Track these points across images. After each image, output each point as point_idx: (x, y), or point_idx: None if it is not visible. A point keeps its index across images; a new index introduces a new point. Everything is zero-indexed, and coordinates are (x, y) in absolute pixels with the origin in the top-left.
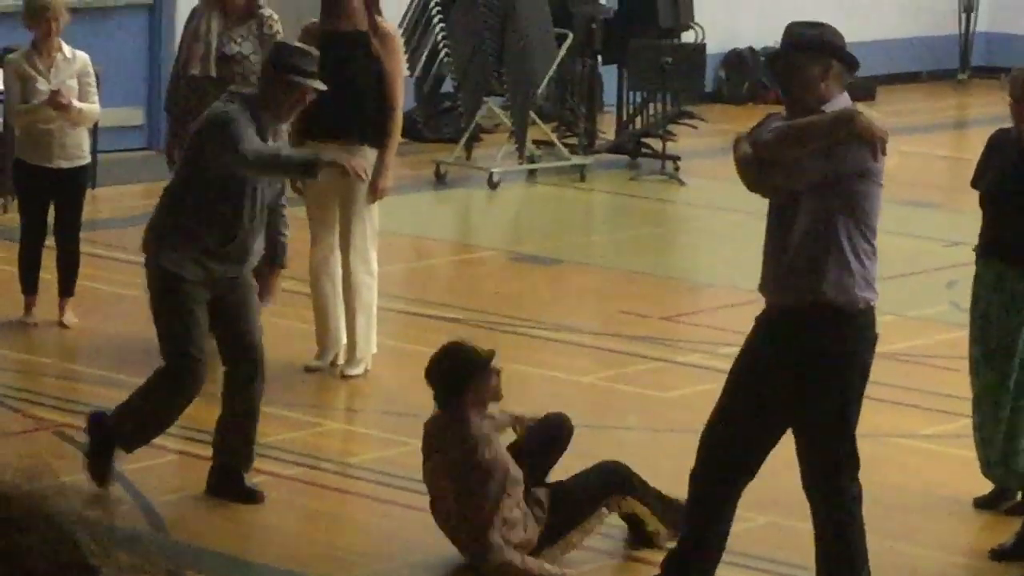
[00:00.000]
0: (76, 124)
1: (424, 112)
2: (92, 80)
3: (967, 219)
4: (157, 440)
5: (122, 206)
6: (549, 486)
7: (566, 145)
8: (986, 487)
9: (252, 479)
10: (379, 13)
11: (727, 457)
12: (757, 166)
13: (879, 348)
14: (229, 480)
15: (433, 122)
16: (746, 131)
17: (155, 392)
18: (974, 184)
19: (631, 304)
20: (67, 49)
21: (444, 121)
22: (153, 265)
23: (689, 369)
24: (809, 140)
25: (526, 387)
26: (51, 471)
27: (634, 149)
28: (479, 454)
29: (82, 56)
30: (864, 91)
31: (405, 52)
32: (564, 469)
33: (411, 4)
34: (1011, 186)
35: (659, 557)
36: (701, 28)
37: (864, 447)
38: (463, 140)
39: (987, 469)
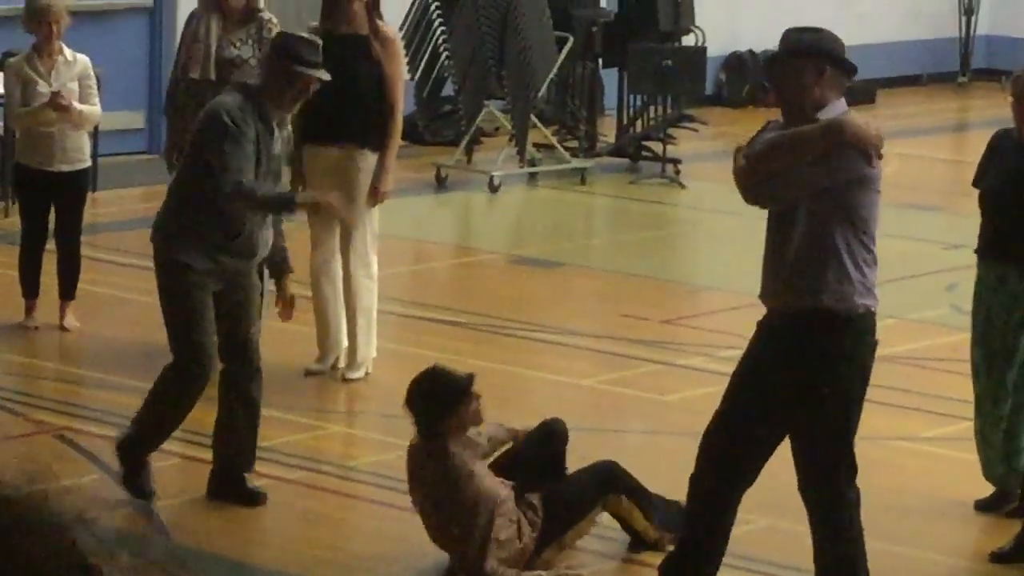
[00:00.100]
0: (77, 126)
1: (424, 115)
2: (93, 83)
3: (967, 222)
4: None
5: (123, 209)
6: (542, 489)
7: (567, 148)
8: (987, 490)
9: (253, 482)
10: (380, 16)
11: (727, 461)
12: (754, 177)
13: (879, 351)
14: (230, 483)
15: (433, 125)
16: (745, 142)
17: (166, 386)
18: (975, 184)
19: (631, 307)
20: (68, 52)
21: (445, 124)
22: (162, 257)
23: (689, 372)
24: (799, 151)
25: (526, 390)
26: (52, 473)
27: (635, 152)
28: (463, 491)
29: (83, 59)
30: (865, 94)
31: (406, 55)
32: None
33: (412, 7)
34: (1012, 186)
35: (657, 560)
36: (701, 31)
37: (865, 450)
38: (464, 143)
39: (988, 471)
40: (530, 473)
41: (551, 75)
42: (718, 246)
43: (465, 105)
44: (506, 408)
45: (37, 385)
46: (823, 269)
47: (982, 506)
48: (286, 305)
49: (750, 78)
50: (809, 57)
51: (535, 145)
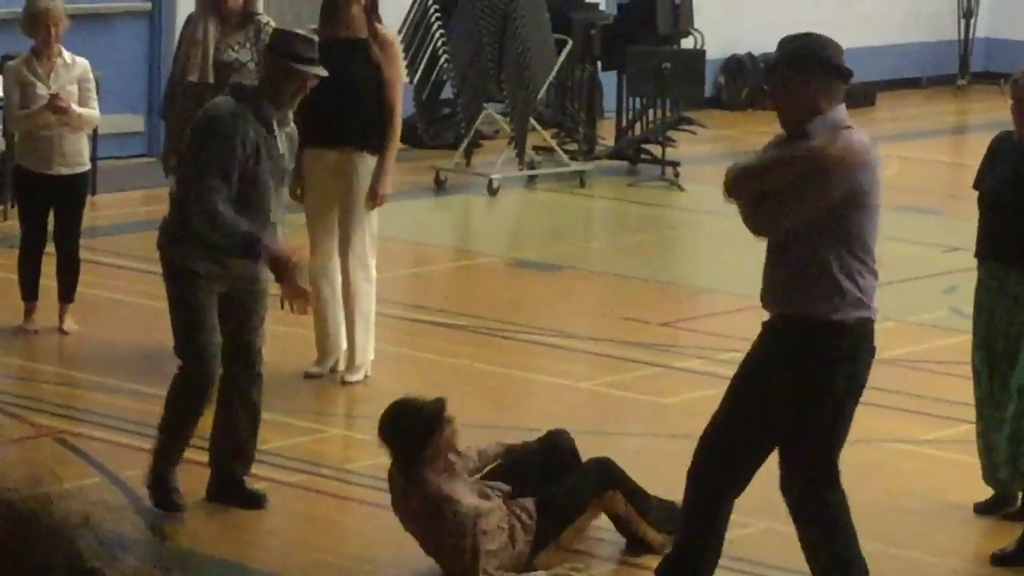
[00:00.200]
0: (76, 129)
1: (424, 118)
2: (92, 86)
3: (966, 224)
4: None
5: (122, 212)
6: (536, 492)
7: (566, 151)
8: (986, 492)
9: (252, 484)
10: (378, 20)
11: (724, 462)
12: (735, 203)
13: (879, 354)
14: (230, 485)
15: (433, 128)
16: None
17: (174, 393)
18: (976, 186)
19: (631, 310)
20: (67, 55)
21: (444, 127)
22: (168, 263)
23: (688, 375)
24: (768, 177)
25: (525, 393)
26: (56, 477)
27: (634, 155)
28: (445, 516)
29: (82, 62)
30: (864, 96)
31: (405, 58)
32: None
33: (411, 10)
34: (1012, 189)
35: (654, 562)
36: (700, 34)
37: (864, 452)
38: (463, 146)
39: (989, 476)
40: (530, 481)
41: (550, 78)
42: (717, 249)
43: (464, 108)
44: (505, 411)
45: (36, 388)
46: (815, 281)
47: (981, 509)
48: (299, 298)
49: (749, 81)
50: (799, 65)
51: (534, 148)
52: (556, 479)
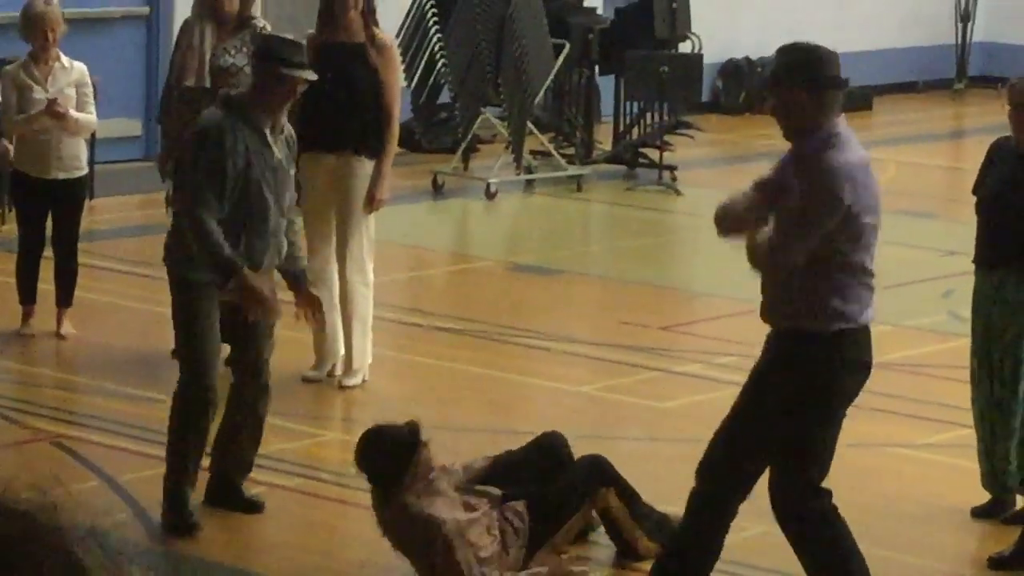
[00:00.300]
0: (73, 133)
1: (421, 122)
2: (89, 90)
3: (964, 229)
4: (154, 451)
5: (119, 217)
6: (526, 496)
7: (563, 155)
8: (983, 496)
9: (250, 489)
10: (376, 24)
11: (730, 461)
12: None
13: (877, 358)
14: (228, 490)
15: (430, 132)
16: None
17: (175, 407)
18: (974, 191)
19: (629, 314)
20: (64, 59)
21: (441, 131)
22: (172, 276)
23: (687, 379)
24: (748, 222)
25: (524, 397)
26: (62, 485)
27: (631, 159)
28: (430, 536)
29: (79, 66)
30: (861, 100)
31: (402, 62)
32: None
33: (408, 15)
34: (1009, 193)
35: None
36: (698, 38)
37: (862, 456)
38: (460, 150)
39: (989, 480)
40: (523, 483)
41: (547, 82)
42: (715, 253)
43: (462, 112)
44: (503, 415)
45: (34, 392)
46: (800, 295)
47: (979, 513)
48: (314, 309)
49: (746, 85)
50: (793, 79)
51: (532, 152)
52: (549, 480)
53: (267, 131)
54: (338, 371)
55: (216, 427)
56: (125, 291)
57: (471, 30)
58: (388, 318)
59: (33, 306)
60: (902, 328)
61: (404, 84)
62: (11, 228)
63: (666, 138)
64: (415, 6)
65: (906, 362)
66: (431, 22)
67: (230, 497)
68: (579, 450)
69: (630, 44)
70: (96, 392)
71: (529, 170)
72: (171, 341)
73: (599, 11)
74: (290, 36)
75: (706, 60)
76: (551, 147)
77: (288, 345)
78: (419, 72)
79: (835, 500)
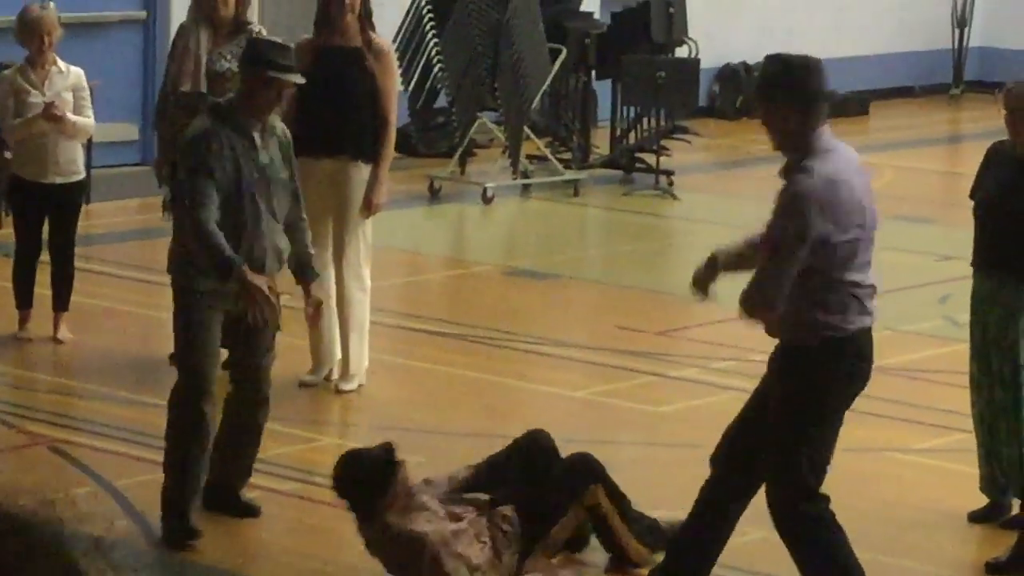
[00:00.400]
0: (71, 137)
1: (418, 127)
2: (86, 94)
3: (960, 233)
4: (151, 455)
5: (116, 221)
6: (515, 499)
7: (560, 160)
8: (980, 501)
9: (247, 494)
10: (373, 28)
11: (731, 470)
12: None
13: (874, 363)
14: (225, 495)
15: (427, 137)
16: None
17: (176, 419)
18: (971, 195)
19: (625, 319)
20: (61, 64)
21: (438, 136)
22: (175, 284)
23: (683, 383)
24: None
25: (520, 402)
26: (70, 500)
27: (628, 164)
28: (419, 556)
29: (76, 71)
30: (858, 106)
31: (399, 67)
32: None
33: (405, 19)
34: (1006, 198)
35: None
36: (695, 43)
37: (858, 462)
38: (457, 155)
39: (988, 484)
40: (510, 486)
41: (544, 87)
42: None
43: (458, 117)
44: (499, 420)
45: (31, 397)
46: (786, 310)
47: (976, 517)
48: (316, 310)
49: (743, 90)
50: (776, 93)
51: (528, 157)
52: (537, 479)
53: (256, 135)
54: (335, 376)
55: (214, 433)
56: (122, 295)
57: (468, 35)
58: (385, 323)
59: (30, 310)
60: (899, 333)
61: (401, 88)
62: (8, 232)
63: (663, 143)
64: (412, 10)
65: (903, 367)
66: (428, 26)
67: (227, 501)
68: None
69: (627, 49)
70: (93, 396)
71: (526, 175)
72: (169, 345)
73: (596, 16)
74: (279, 39)
75: (703, 65)
76: (548, 152)
77: (285, 350)
78: (416, 76)
79: (833, 505)
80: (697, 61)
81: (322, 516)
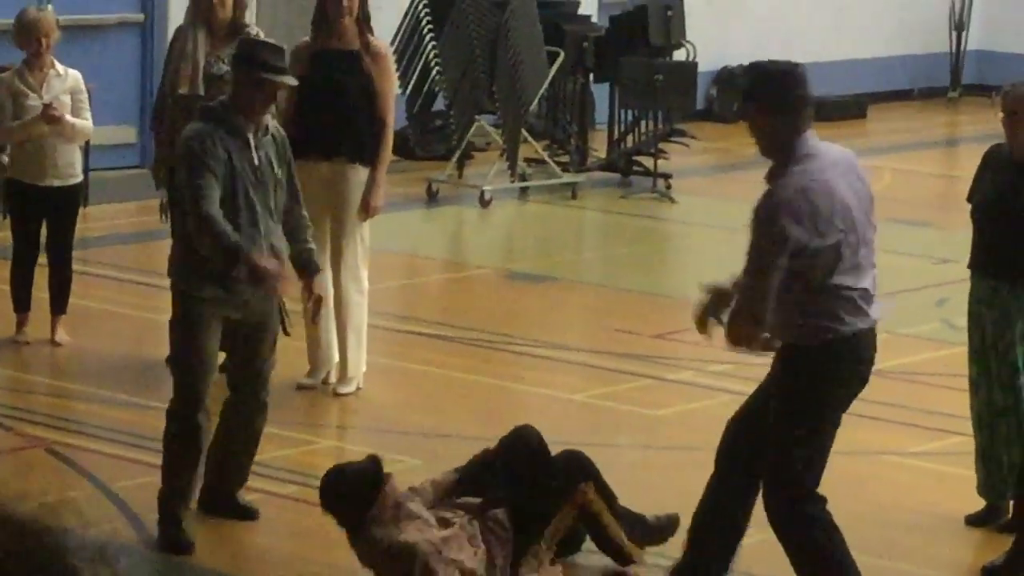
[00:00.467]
0: (69, 140)
1: (416, 130)
2: (84, 97)
3: (958, 237)
4: (148, 458)
5: (114, 224)
6: (507, 500)
7: (558, 163)
8: (977, 504)
9: (244, 497)
10: (370, 31)
11: (739, 471)
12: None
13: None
14: (222, 497)
15: (425, 140)
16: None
17: (171, 430)
18: (969, 198)
19: (623, 322)
20: (59, 66)
21: (436, 139)
22: (175, 290)
23: (681, 386)
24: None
25: (517, 405)
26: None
27: (625, 167)
28: (411, 567)
29: (74, 74)
30: (856, 109)
31: (397, 70)
32: None
33: (403, 22)
34: (1003, 201)
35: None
36: (692, 46)
37: (855, 465)
38: (455, 158)
39: (985, 487)
40: (500, 486)
41: (542, 90)
42: (709, 260)
43: (456, 120)
44: (496, 423)
45: (28, 399)
46: (775, 315)
47: (973, 521)
48: (315, 304)
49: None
50: (757, 101)
51: (526, 160)
52: (527, 478)
53: (250, 136)
54: (332, 379)
55: (212, 436)
56: (119, 298)
57: (466, 37)
58: (382, 326)
59: (27, 314)
60: (896, 336)
61: (399, 91)
62: (5, 235)
63: (660, 146)
64: (410, 13)
65: (900, 370)
66: (426, 29)
67: (224, 504)
68: None
69: (625, 52)
70: (90, 399)
71: (523, 178)
72: (166, 348)
73: (594, 19)
74: (271, 41)
75: (701, 68)
76: (546, 155)
77: (283, 353)
78: (414, 79)
79: (829, 508)
80: (695, 64)
81: (319, 519)
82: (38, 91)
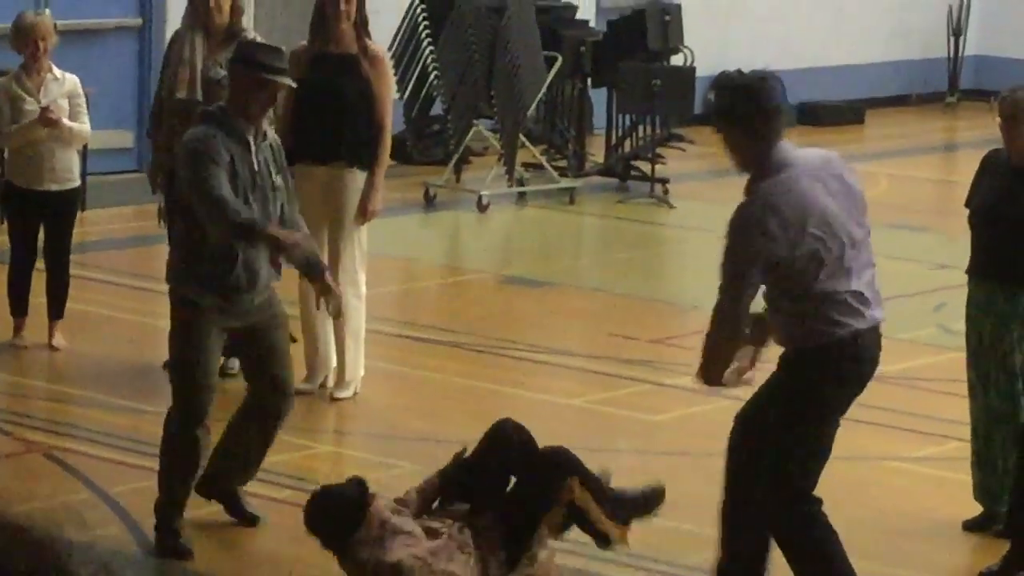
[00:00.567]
0: (67, 143)
1: (413, 134)
2: (82, 101)
3: (956, 242)
4: (146, 463)
5: (112, 228)
6: (495, 503)
7: (555, 168)
8: (975, 509)
9: (249, 505)
10: (368, 35)
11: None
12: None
13: None
14: (223, 495)
15: (422, 144)
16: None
17: (168, 440)
18: (967, 203)
19: (620, 327)
20: (56, 71)
21: (433, 143)
22: (173, 296)
23: (679, 391)
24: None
25: (514, 410)
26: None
27: (623, 172)
28: None
29: (71, 78)
30: (853, 114)
31: (395, 74)
32: None
33: (401, 26)
34: (1001, 206)
35: (624, 572)
36: (690, 51)
37: (853, 470)
38: (452, 163)
39: (982, 492)
40: (483, 485)
41: (540, 95)
42: (706, 265)
43: (454, 124)
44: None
45: (26, 404)
46: (778, 324)
47: (970, 526)
48: (334, 297)
49: None
50: (727, 116)
51: (524, 165)
52: (512, 472)
53: (250, 139)
54: (330, 383)
55: (224, 426)
56: (117, 303)
57: (464, 42)
58: (380, 330)
59: (24, 318)
60: (894, 341)
61: (396, 96)
62: (3, 240)
63: (658, 151)
64: (408, 18)
65: (898, 375)
66: (424, 34)
67: (228, 506)
68: None
69: (623, 57)
70: (88, 404)
71: (521, 182)
72: (163, 352)
73: (592, 24)
74: (268, 42)
75: (699, 73)
76: (543, 159)
77: None
78: (411, 84)
79: (828, 513)
80: (693, 69)
81: None
82: (36, 95)
